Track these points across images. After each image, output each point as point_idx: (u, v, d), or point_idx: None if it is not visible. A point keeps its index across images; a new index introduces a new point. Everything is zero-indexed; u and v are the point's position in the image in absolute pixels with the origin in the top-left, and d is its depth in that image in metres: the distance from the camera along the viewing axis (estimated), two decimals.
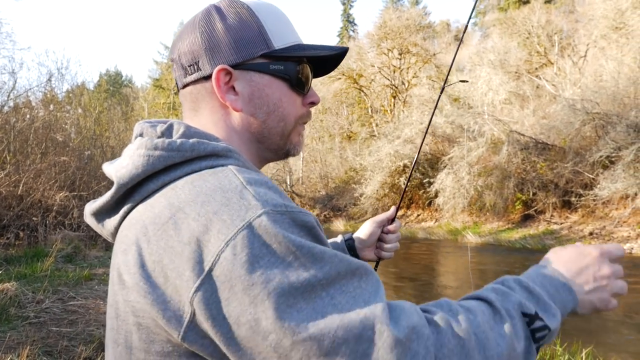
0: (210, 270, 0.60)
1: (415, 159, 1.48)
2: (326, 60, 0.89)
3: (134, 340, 0.69)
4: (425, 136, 1.47)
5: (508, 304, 0.72)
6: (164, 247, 0.64)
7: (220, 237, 0.60)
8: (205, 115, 0.83)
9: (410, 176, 1.59)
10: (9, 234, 8.82)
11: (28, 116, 11.37)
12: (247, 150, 0.85)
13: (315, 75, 0.92)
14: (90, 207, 0.80)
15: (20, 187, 9.25)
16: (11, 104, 11.68)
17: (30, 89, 12.65)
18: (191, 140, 0.73)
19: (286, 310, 0.58)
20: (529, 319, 0.71)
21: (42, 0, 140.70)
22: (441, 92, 1.54)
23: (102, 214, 0.80)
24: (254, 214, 0.61)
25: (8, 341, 4.03)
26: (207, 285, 0.60)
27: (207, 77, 0.80)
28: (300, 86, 0.84)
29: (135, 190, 0.74)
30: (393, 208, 1.34)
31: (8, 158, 9.69)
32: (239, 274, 0.58)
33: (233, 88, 0.80)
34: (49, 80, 13.36)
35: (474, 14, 1.40)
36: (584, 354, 4.37)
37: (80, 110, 14.75)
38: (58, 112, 12.89)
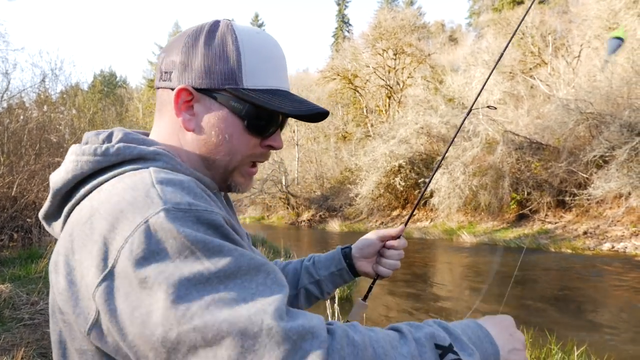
0: (113, 266, 0.61)
1: (437, 165, 1.43)
2: (295, 116, 0.87)
3: (62, 338, 0.72)
4: (449, 145, 1.43)
5: (419, 333, 0.70)
6: (82, 246, 0.66)
7: (123, 234, 0.62)
8: (166, 121, 0.86)
9: (424, 190, 1.51)
10: (3, 235, 8.77)
11: (22, 117, 11.29)
12: (194, 169, 0.85)
13: (299, 118, 0.90)
14: (41, 211, 0.84)
15: (14, 189, 9.20)
16: (5, 105, 11.61)
17: (23, 89, 12.58)
18: (117, 145, 0.76)
19: (175, 301, 0.58)
20: (442, 350, 0.68)
21: (36, 0, 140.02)
22: (467, 115, 1.45)
23: (49, 218, 0.83)
24: (153, 211, 0.63)
25: (2, 343, 4.01)
26: (108, 281, 0.61)
27: (174, 90, 0.83)
28: (255, 129, 0.84)
29: (72, 194, 0.77)
30: (401, 226, 1.26)
31: (2, 159, 9.63)
32: (135, 269, 0.60)
33: (192, 107, 0.82)
34: (43, 81, 13.29)
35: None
36: (577, 352, 4.40)
37: (74, 111, 14.69)
38: (52, 113, 12.81)
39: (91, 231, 0.66)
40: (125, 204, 0.65)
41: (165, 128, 0.86)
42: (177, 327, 0.57)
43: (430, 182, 1.44)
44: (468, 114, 1.46)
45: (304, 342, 0.59)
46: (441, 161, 1.40)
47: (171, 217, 0.62)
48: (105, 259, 0.62)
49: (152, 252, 0.60)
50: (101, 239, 0.63)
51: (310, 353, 0.58)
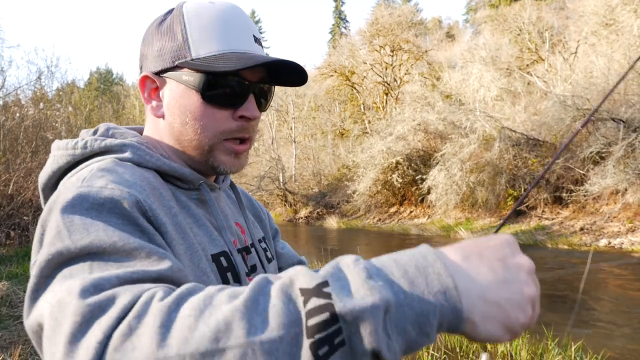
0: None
1: (549, 164, 1.30)
2: (267, 67, 0.83)
3: None
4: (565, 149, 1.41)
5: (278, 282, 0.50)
6: (39, 234, 0.66)
7: (51, 219, 0.62)
8: (147, 115, 0.87)
9: (521, 200, 1.41)
10: (0, 233, 8.75)
11: (18, 114, 11.27)
12: (177, 157, 0.85)
13: (281, 84, 0.87)
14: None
15: (11, 186, 9.18)
16: (0, 102, 11.57)
17: (19, 87, 12.57)
18: (87, 139, 0.77)
19: (33, 290, 0.56)
20: (305, 296, 0.46)
21: None
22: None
23: None
24: (64, 197, 0.63)
25: (0, 340, 4.01)
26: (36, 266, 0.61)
27: None
28: (216, 100, 0.79)
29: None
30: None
31: None
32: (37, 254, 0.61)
33: (159, 95, 0.83)
34: (39, 78, 13.27)
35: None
36: (574, 348, 4.42)
37: (70, 109, 14.65)
38: (48, 110, 12.79)
39: (41, 218, 0.67)
40: (62, 189, 0.67)
41: (147, 121, 0.88)
42: (27, 316, 0.56)
43: (531, 189, 1.27)
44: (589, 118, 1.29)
45: (99, 313, 0.48)
46: (548, 170, 1.39)
47: (69, 201, 0.62)
48: (40, 241, 0.63)
49: (46, 236, 0.61)
50: (40, 224, 0.65)
51: (97, 326, 0.47)
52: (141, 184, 0.69)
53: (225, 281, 0.78)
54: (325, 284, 0.46)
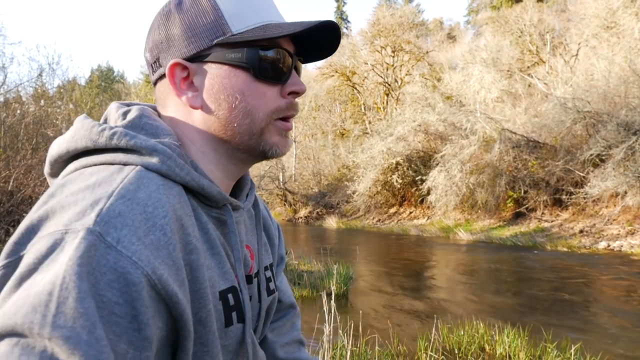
0: (18, 259, 0.55)
1: None
2: (300, 38, 0.77)
3: None
4: None
5: None
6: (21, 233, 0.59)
7: (43, 232, 0.55)
8: (171, 111, 0.77)
9: None
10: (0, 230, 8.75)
11: (18, 111, 11.27)
12: (214, 151, 0.76)
13: (307, 60, 0.82)
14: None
15: (11, 183, 9.18)
16: (1, 99, 11.58)
17: (20, 84, 12.57)
18: (115, 129, 0.67)
19: None
20: None
21: None
22: None
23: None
24: (76, 226, 0.54)
25: None
26: (4, 270, 0.55)
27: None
28: (266, 75, 0.73)
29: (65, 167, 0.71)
30: None
31: None
32: (14, 284, 0.51)
33: (192, 83, 0.74)
34: (40, 75, 13.27)
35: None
36: (573, 350, 4.42)
37: (71, 106, 14.65)
38: (49, 107, 12.79)
39: (31, 210, 0.59)
40: (69, 201, 0.57)
41: (174, 114, 0.77)
42: None
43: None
44: None
45: None
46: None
47: (83, 248, 0.51)
48: (17, 243, 0.55)
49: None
50: (28, 222, 0.57)
51: None
52: (162, 222, 0.59)
53: (228, 322, 0.70)
54: None
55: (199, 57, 0.72)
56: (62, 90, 14.79)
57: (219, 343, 0.67)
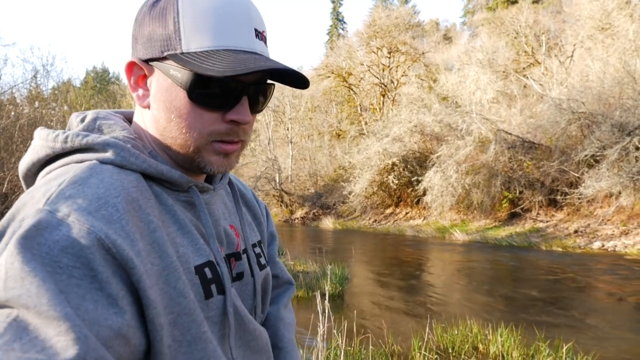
0: None
1: None
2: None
3: None
4: None
5: None
6: None
7: (9, 230, 0.57)
8: (135, 107, 0.80)
9: None
10: None
11: (13, 113, 11.22)
12: (162, 152, 0.77)
13: (279, 81, 0.79)
14: None
15: (5, 185, 9.15)
16: None
17: (14, 85, 12.53)
18: (68, 133, 0.71)
19: None
20: None
21: None
22: None
23: None
24: (27, 212, 0.59)
25: None
26: None
27: None
28: (203, 102, 0.71)
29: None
30: None
31: None
32: None
33: (146, 82, 0.75)
34: (34, 76, 13.23)
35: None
36: (565, 349, 4.45)
37: (66, 108, 14.60)
38: (43, 109, 12.75)
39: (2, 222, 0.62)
40: (27, 199, 0.61)
41: (136, 108, 0.80)
42: None
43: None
44: None
45: None
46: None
47: (24, 233, 0.54)
48: None
49: None
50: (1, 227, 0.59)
51: None
52: (114, 201, 0.62)
53: (208, 294, 0.72)
54: None
55: (152, 62, 0.73)
56: (56, 91, 14.76)
57: (201, 312, 0.69)
